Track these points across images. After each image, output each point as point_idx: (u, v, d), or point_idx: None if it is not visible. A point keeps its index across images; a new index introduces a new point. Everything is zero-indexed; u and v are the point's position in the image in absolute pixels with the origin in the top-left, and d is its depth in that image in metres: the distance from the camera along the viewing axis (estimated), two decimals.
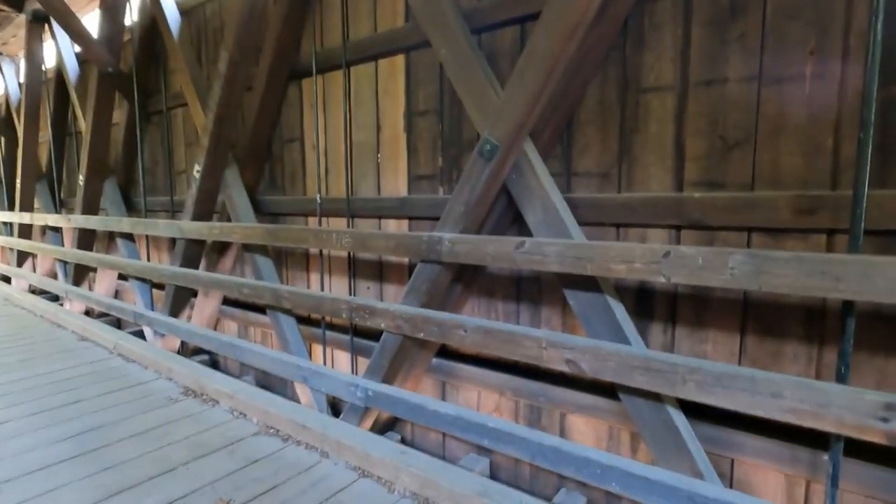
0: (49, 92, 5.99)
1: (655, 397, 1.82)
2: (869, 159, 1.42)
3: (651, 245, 1.68)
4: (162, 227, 3.87)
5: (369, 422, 2.79)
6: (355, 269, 3.21)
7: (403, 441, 3.04)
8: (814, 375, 1.77)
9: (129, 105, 4.67)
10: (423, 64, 2.79)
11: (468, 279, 2.56)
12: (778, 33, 1.79)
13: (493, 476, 2.68)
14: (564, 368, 1.85)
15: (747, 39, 1.85)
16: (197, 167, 3.46)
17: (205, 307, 4.18)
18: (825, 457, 1.65)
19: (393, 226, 3.00)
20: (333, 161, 3.30)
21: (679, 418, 1.82)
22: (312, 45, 3.21)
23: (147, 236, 5.10)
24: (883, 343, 1.66)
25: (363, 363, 2.98)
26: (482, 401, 2.75)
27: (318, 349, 3.50)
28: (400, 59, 2.90)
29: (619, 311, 1.92)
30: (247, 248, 3.49)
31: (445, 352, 2.83)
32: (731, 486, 1.98)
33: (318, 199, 3.06)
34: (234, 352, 3.27)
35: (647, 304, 2.13)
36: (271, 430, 2.53)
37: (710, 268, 1.51)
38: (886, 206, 1.57)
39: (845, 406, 1.33)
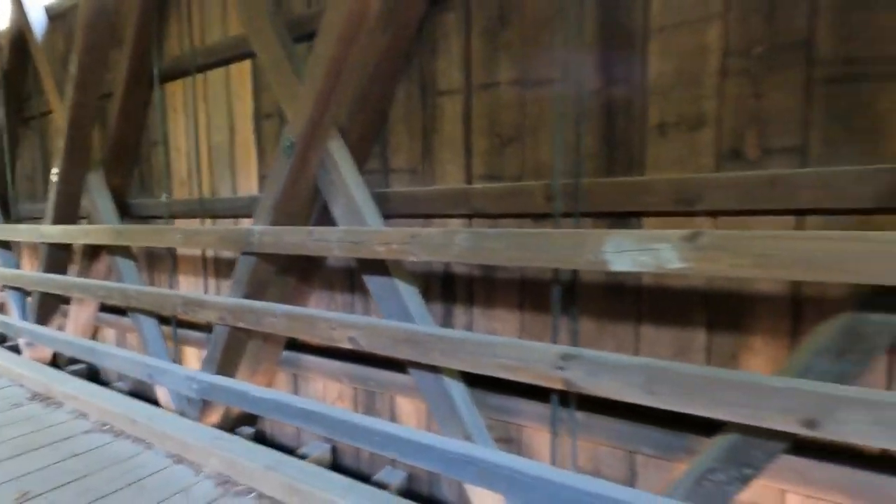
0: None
1: (434, 370, 1.99)
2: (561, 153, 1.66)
3: (403, 229, 1.88)
4: (23, 231, 3.78)
5: (215, 416, 2.84)
6: (216, 268, 3.26)
7: (260, 435, 3.10)
8: (566, 341, 2.00)
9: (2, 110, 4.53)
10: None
11: (306, 272, 2.68)
12: (533, 41, 2.04)
13: (337, 460, 2.79)
14: (349, 345, 2.00)
15: (512, 47, 2.10)
16: (55, 171, 3.42)
17: (79, 315, 4.08)
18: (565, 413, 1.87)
19: (247, 224, 3.09)
20: (195, 163, 3.35)
21: (456, 388, 2.00)
22: (169, 48, 3.27)
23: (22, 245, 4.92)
24: (602, 309, 1.91)
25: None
26: (327, 390, 2.86)
27: (191, 350, 3.51)
28: (247, 64, 3.01)
29: (408, 292, 2.10)
30: (111, 251, 3.47)
31: (295, 344, 2.93)
32: (519, 451, 2.18)
33: (164, 199, 3.12)
34: (92, 356, 3.24)
35: (450, 288, 2.33)
36: (105, 427, 2.55)
37: (443, 245, 1.70)
38: (601, 192, 1.83)
39: (538, 360, 1.53)
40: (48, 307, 3.93)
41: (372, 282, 2.15)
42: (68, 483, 2.02)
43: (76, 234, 3.37)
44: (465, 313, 2.30)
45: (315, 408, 2.10)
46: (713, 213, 1.71)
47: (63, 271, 3.83)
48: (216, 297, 2.50)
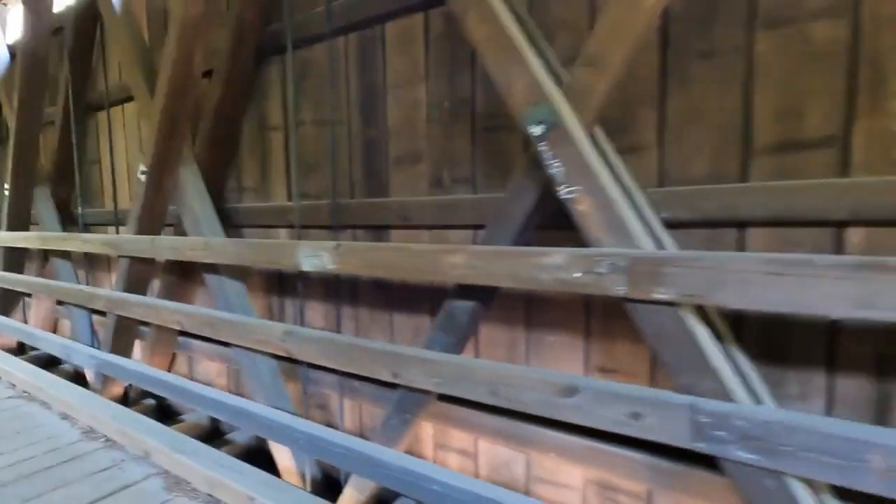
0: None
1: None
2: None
3: (196, 239, 2.54)
4: None
5: (118, 389, 3.46)
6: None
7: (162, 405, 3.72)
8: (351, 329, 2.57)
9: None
10: None
11: (187, 271, 3.29)
12: (320, 90, 2.61)
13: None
14: (178, 327, 2.61)
15: (310, 94, 2.67)
16: (6, 185, 4.13)
17: (38, 308, 4.79)
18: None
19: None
20: (120, 179, 4.00)
21: (261, 361, 2.59)
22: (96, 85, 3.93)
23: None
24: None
25: None
26: (210, 369, 3.47)
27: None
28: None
29: (231, 286, 2.69)
30: (52, 253, 4.16)
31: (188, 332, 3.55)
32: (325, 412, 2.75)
33: (80, 211, 3.79)
34: (31, 339, 3.91)
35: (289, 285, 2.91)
36: (24, 394, 3.20)
37: (229, 253, 2.31)
38: (360, 210, 2.40)
39: (272, 335, 2.11)
40: (9, 301, 4.64)
41: (208, 277, 2.76)
42: None
43: (12, 240, 4.06)
44: (292, 306, 2.89)
45: (166, 378, 2.70)
46: (428, 227, 2.26)
47: (21, 271, 4.53)
48: (103, 290, 3.14)
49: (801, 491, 1.20)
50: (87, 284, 3.98)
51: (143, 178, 2.78)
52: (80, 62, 3.87)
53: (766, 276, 1.17)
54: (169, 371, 3.68)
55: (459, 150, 2.15)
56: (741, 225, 1.54)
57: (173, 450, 2.14)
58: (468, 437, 2.23)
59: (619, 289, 1.34)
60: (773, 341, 1.53)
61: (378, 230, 2.41)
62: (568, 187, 1.42)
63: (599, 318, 1.86)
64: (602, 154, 1.47)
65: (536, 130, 1.44)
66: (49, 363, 4.57)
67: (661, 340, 1.35)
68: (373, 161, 2.44)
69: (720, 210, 1.53)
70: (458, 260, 1.58)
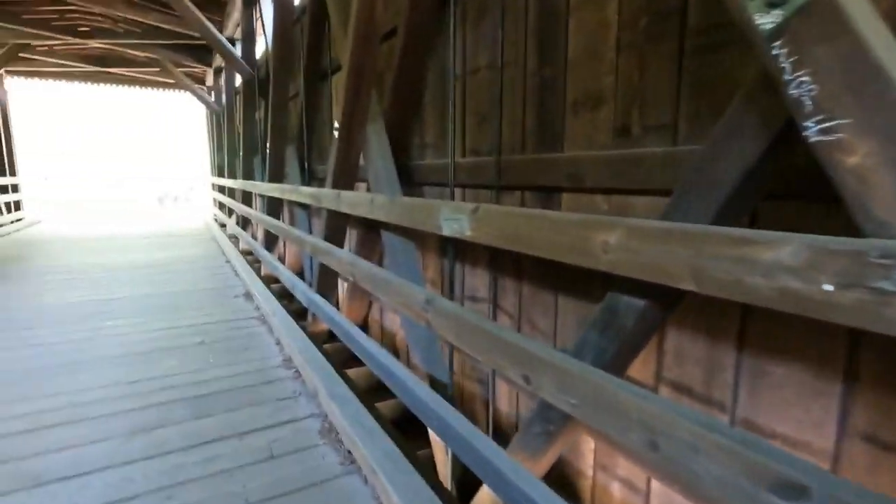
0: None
1: None
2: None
3: (349, 193, 2.40)
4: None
5: (323, 325, 3.92)
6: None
7: None
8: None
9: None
10: None
11: (372, 226, 3.42)
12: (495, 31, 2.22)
13: None
14: (350, 278, 2.67)
15: (490, 34, 2.31)
16: (267, 144, 5.04)
17: (290, 246, 5.87)
18: None
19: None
20: None
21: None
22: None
23: None
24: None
25: None
26: (394, 321, 3.62)
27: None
28: None
29: (399, 245, 2.62)
30: (292, 203, 4.93)
31: None
32: None
33: (306, 167, 4.28)
34: (275, 271, 4.77)
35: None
36: (261, 316, 3.89)
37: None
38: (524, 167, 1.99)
39: (408, 297, 1.92)
40: (271, 239, 5.80)
41: (383, 234, 2.77)
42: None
43: (268, 190, 4.93)
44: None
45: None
46: (605, 191, 1.72)
47: (276, 215, 5.57)
48: (310, 236, 3.52)
49: None
50: (312, 231, 4.62)
51: (336, 133, 2.93)
52: (314, 42, 4.34)
53: None
54: (366, 315, 4.03)
55: (657, 84, 1.53)
56: None
57: (330, 396, 2.23)
58: (638, 469, 1.71)
59: None
60: None
61: (546, 193, 1.98)
62: (826, 122, 0.76)
63: (876, 351, 1.10)
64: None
65: (767, 20, 0.79)
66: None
67: None
68: (546, 107, 1.98)
69: None
70: (612, 239, 1.07)
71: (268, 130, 6.34)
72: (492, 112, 2.29)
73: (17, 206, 11.18)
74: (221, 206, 10.45)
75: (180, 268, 5.65)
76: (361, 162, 3.04)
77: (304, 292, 3.62)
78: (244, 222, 8.01)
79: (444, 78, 2.70)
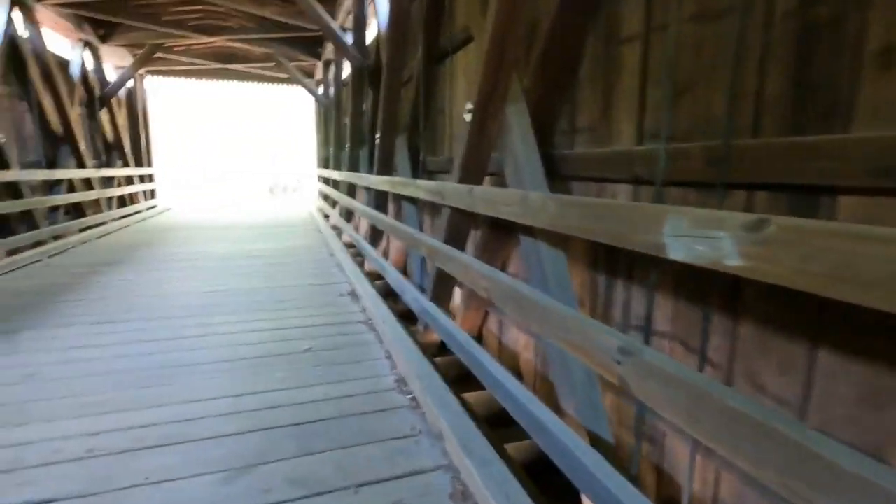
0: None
1: None
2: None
3: (503, 190, 1.84)
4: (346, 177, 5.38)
5: (435, 335, 3.49)
6: None
7: None
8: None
9: (371, 91, 6.26)
10: None
11: (501, 226, 2.91)
12: None
13: None
14: (484, 294, 2.16)
15: None
16: (377, 135, 4.72)
17: (394, 241, 5.57)
18: None
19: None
20: (457, 125, 3.97)
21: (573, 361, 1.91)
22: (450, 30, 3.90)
23: None
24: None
25: None
26: (517, 339, 3.09)
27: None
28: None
29: (548, 255, 2.06)
30: (402, 197, 4.58)
31: None
32: None
33: (422, 158, 3.85)
34: (382, 269, 4.45)
35: (624, 261, 2.14)
36: (368, 321, 3.57)
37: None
38: (771, 156, 1.33)
39: (586, 339, 1.34)
40: (376, 234, 5.53)
41: (523, 239, 2.22)
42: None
43: (378, 183, 4.61)
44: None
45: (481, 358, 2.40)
46: None
47: (384, 209, 5.28)
48: (426, 237, 3.07)
49: None
50: (423, 228, 4.22)
51: (467, 117, 2.44)
52: (433, 16, 3.90)
53: None
54: (481, 326, 3.54)
55: None
56: None
57: (463, 449, 1.75)
58: None
59: None
60: None
61: (807, 195, 1.31)
62: None
63: None
64: None
65: None
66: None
67: None
68: (814, 63, 1.31)
69: None
70: None
71: (376, 120, 6.10)
72: (698, 79, 1.65)
73: (152, 194, 12.29)
74: (326, 197, 10.64)
75: (287, 260, 5.60)
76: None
77: (417, 300, 3.21)
78: (347, 214, 7.95)
79: (611, 42, 2.10)
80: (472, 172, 2.58)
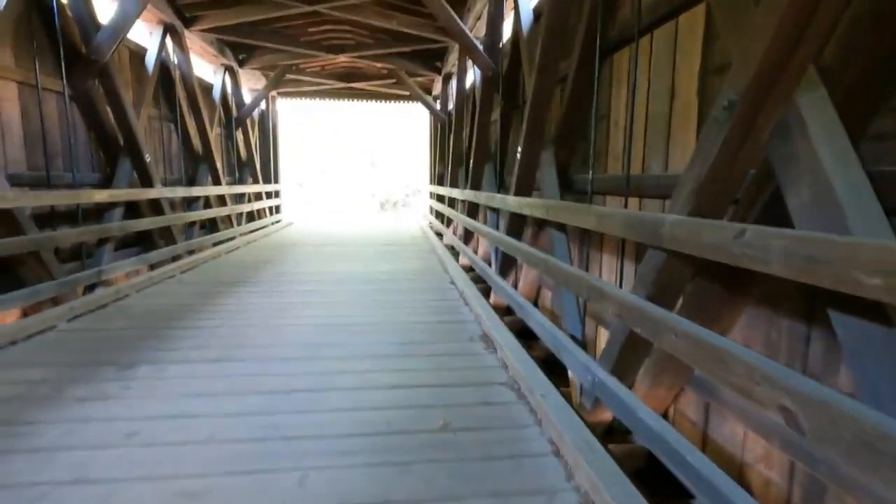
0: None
1: None
2: None
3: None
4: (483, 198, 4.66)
5: (608, 415, 2.60)
6: (635, 252, 2.96)
7: None
8: None
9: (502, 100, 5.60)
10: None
11: (736, 278, 1.97)
12: None
13: None
14: (779, 415, 1.24)
15: None
16: (519, 149, 3.96)
17: (528, 273, 4.77)
18: None
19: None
20: (628, 136, 3.08)
21: None
22: (621, 15, 3.06)
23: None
24: None
25: None
26: (747, 442, 2.10)
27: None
28: (700, 9, 2.42)
29: None
30: (546, 223, 3.76)
31: None
32: None
33: (590, 177, 2.99)
34: (519, 310, 3.66)
35: None
36: (503, 365, 2.79)
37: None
38: None
39: None
40: (507, 263, 4.77)
41: (843, 323, 1.29)
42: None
43: (519, 206, 3.83)
44: None
45: (706, 471, 1.51)
46: None
47: (518, 236, 4.50)
48: (617, 290, 2.20)
49: None
50: (579, 262, 3.36)
51: (720, 115, 1.57)
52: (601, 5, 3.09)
53: None
54: (668, 407, 2.60)
55: None
56: None
57: None
58: None
59: None
60: None
61: None
62: None
63: None
64: None
65: None
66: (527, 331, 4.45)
67: None
68: None
69: None
70: None
71: (509, 132, 5.40)
72: None
73: (278, 209, 12.88)
74: (439, 214, 10.22)
75: (405, 286, 5.07)
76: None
77: (589, 368, 2.36)
78: (466, 235, 7.34)
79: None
80: (716, 198, 1.69)
